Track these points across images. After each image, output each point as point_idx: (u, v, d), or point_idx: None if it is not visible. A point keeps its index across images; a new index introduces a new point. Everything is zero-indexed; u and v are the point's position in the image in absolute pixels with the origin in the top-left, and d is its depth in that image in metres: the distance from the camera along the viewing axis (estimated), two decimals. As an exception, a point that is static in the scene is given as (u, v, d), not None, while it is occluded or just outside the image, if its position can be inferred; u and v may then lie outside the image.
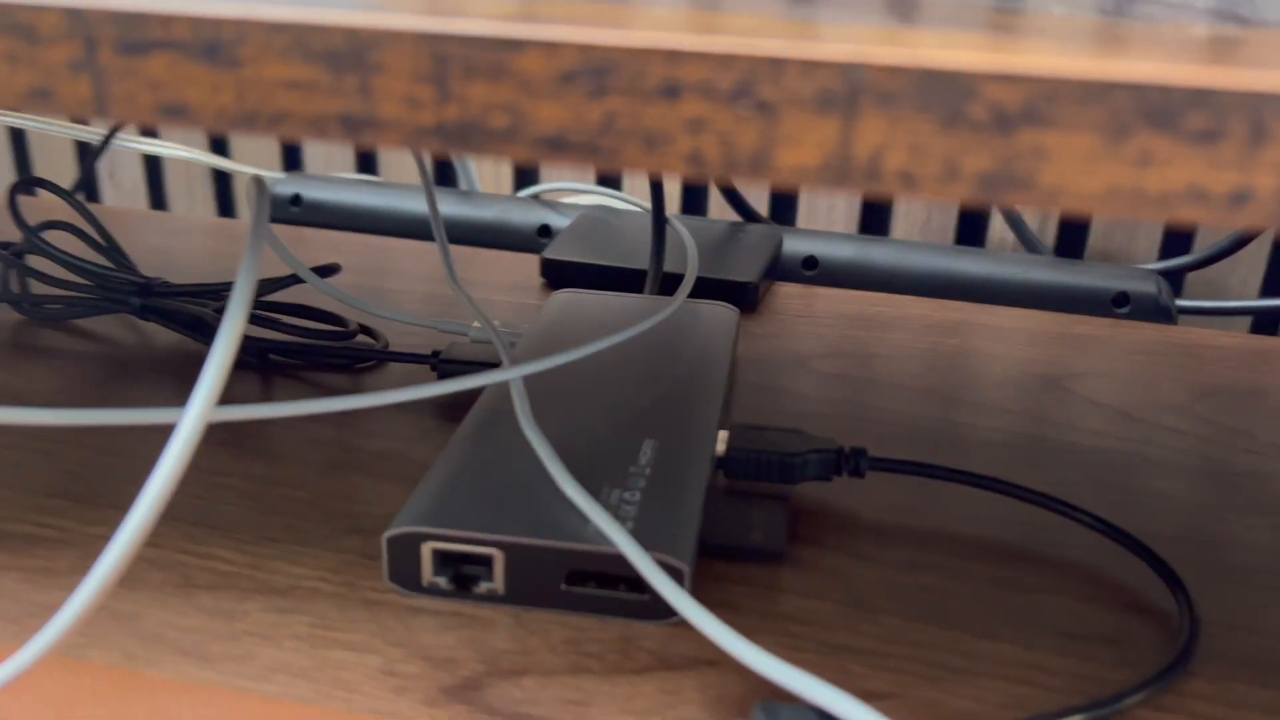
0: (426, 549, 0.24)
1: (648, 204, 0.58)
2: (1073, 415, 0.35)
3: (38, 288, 0.42)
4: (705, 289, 0.43)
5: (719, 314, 0.37)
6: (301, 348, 0.36)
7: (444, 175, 0.61)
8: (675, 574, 0.24)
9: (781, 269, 0.47)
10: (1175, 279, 0.54)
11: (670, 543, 0.24)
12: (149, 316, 0.36)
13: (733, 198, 0.50)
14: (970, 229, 0.55)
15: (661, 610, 0.24)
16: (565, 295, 0.39)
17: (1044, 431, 0.34)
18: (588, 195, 0.57)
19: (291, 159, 0.64)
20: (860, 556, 0.27)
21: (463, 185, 0.55)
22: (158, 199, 0.67)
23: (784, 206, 0.57)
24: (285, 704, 0.22)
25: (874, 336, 0.41)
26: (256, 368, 0.36)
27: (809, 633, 0.24)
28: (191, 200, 0.67)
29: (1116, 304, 0.44)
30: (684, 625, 0.24)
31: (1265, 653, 0.24)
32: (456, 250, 0.49)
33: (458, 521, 0.24)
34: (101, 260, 0.43)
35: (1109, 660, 0.24)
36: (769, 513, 0.27)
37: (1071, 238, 0.55)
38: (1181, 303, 0.50)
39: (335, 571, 0.26)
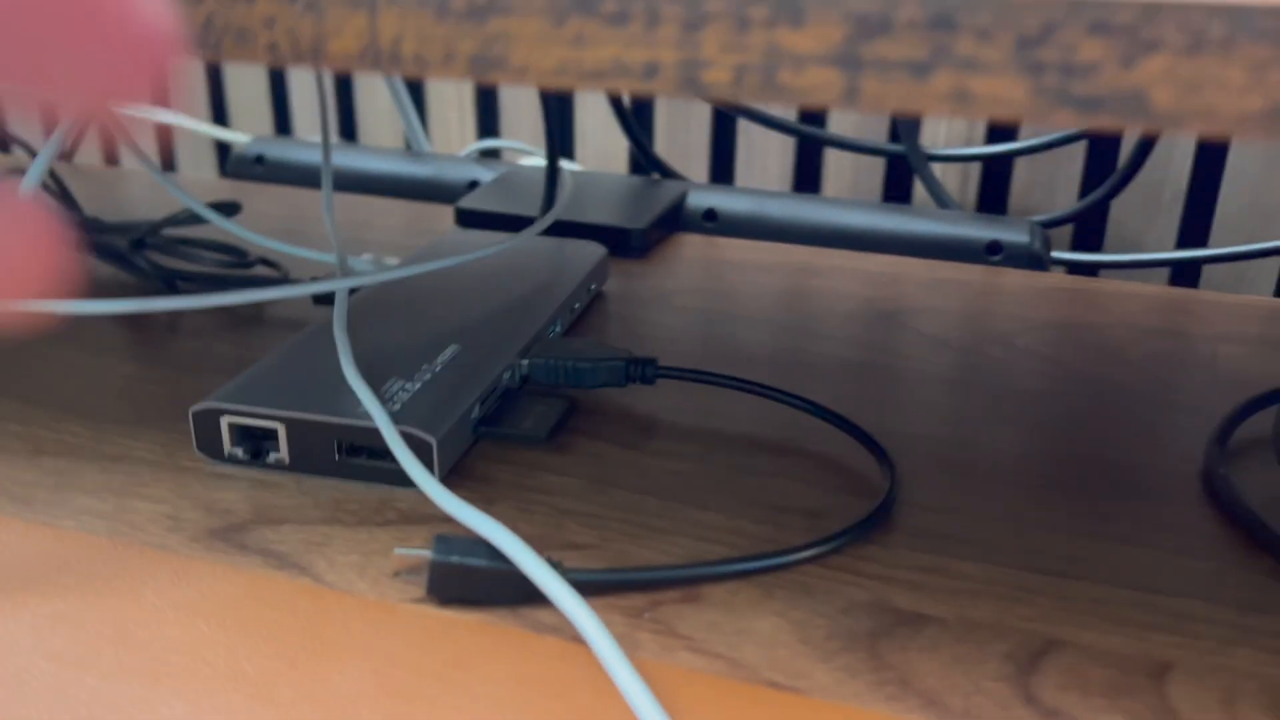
0: (224, 422, 0.28)
1: (582, 165, 0.61)
2: (892, 343, 0.37)
3: None
4: (596, 234, 0.46)
5: (584, 251, 0.41)
6: (205, 275, 0.40)
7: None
8: (423, 447, 0.27)
9: (685, 221, 0.50)
10: (1094, 235, 0.56)
11: (423, 421, 0.28)
12: (80, 251, 0.41)
13: (645, 153, 0.53)
14: (896, 190, 0.58)
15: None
16: (453, 233, 0.42)
17: (855, 355, 0.36)
18: (526, 156, 0.60)
19: (283, 127, 0.69)
20: (623, 445, 0.30)
21: (415, 146, 0.59)
22: (169, 164, 0.73)
23: (723, 166, 0.60)
24: (75, 534, 0.26)
25: (742, 278, 0.44)
26: (167, 293, 0.41)
27: (544, 500, 0.28)
28: (198, 165, 0.73)
29: (990, 252, 0.46)
30: (436, 491, 0.28)
31: (951, 530, 0.27)
32: (393, 203, 0.53)
33: (249, 399, 0.28)
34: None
35: (804, 529, 0.27)
36: (547, 408, 0.31)
37: (992, 197, 0.56)
38: (1101, 256, 0.51)
39: (163, 445, 0.30)
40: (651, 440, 0.31)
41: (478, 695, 0.21)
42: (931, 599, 0.24)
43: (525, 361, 0.32)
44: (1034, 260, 0.46)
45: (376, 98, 0.66)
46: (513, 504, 0.27)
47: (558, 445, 0.30)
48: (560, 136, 0.62)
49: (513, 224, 0.47)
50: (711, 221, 0.50)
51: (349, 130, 0.68)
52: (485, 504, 0.27)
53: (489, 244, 0.41)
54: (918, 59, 0.15)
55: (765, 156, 0.59)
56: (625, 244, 0.46)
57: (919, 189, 0.58)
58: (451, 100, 0.64)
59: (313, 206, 0.52)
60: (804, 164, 0.59)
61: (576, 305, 0.38)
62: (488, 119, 0.64)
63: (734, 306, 0.41)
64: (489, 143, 0.61)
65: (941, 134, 0.56)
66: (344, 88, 0.67)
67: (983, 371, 0.35)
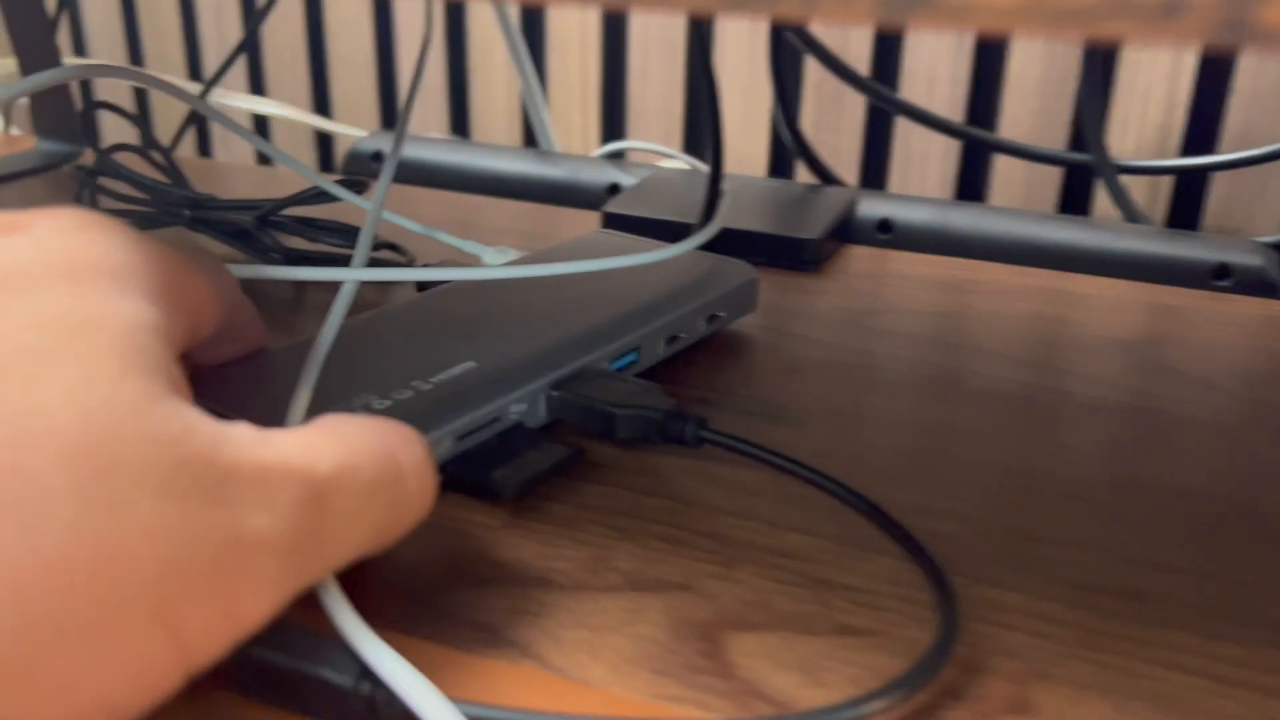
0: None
1: (726, 168, 0.57)
2: (1138, 382, 0.32)
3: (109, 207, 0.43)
4: (763, 246, 0.42)
5: (723, 272, 0.34)
6: (325, 256, 0.37)
7: (530, 139, 0.62)
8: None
9: (856, 232, 0.46)
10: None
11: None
12: (198, 228, 0.38)
13: (809, 158, 0.48)
14: (1073, 202, 0.52)
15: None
16: (596, 234, 0.38)
17: (1074, 391, 0.31)
18: (664, 159, 0.56)
19: (389, 119, 0.66)
20: (611, 527, 0.24)
21: (544, 145, 0.55)
22: (264, 159, 0.70)
23: (875, 172, 0.55)
24: None
25: (937, 298, 0.39)
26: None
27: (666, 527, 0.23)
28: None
29: (1216, 276, 0.41)
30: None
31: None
32: (527, 207, 0.49)
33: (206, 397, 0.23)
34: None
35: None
36: (539, 457, 0.25)
37: (1183, 212, 0.51)
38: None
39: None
40: (654, 523, 0.25)
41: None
42: (1326, 720, 0.19)
43: (556, 394, 0.27)
44: (1267, 287, 0.41)
45: (493, 95, 0.62)
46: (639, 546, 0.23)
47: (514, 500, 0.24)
48: (696, 138, 0.58)
49: (666, 231, 0.43)
50: (885, 233, 0.45)
51: (461, 128, 0.64)
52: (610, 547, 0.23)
53: (627, 250, 0.35)
54: None
55: (925, 162, 0.54)
56: (796, 257, 0.41)
57: (1098, 203, 0.53)
58: (576, 98, 0.60)
59: (441, 204, 0.48)
60: (968, 171, 0.54)
61: (681, 335, 0.31)
62: (613, 119, 0.60)
63: (930, 329, 0.36)
64: (621, 144, 0.57)
65: (1130, 143, 0.51)
66: (457, 85, 0.63)
67: (1240, 415, 0.30)
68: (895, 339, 0.35)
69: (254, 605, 0.16)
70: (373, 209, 0.32)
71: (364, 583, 0.21)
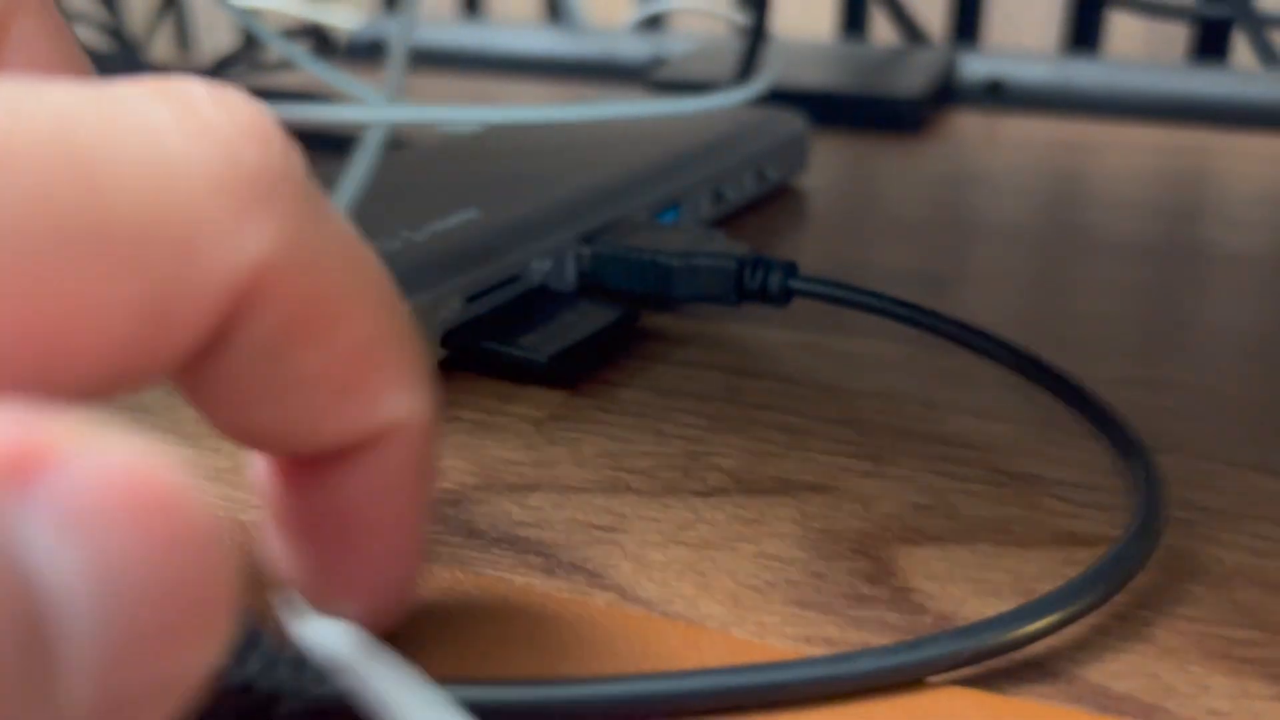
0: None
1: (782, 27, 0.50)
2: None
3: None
4: (853, 109, 0.36)
5: (776, 122, 0.30)
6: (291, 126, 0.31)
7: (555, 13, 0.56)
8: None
9: (958, 95, 0.40)
10: None
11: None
12: None
13: (895, 9, 0.42)
14: (1207, 48, 0.46)
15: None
16: (625, 94, 0.32)
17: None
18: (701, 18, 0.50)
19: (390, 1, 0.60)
20: (702, 415, 0.18)
21: (570, 17, 0.49)
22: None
23: (966, 25, 0.48)
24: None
25: (1073, 160, 0.33)
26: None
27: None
28: (286, 65, 0.64)
29: None
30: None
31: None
32: (555, 88, 0.43)
33: None
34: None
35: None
36: (578, 321, 0.20)
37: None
38: None
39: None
40: (742, 391, 0.19)
41: None
42: None
43: (588, 251, 0.21)
44: None
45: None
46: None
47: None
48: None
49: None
50: (994, 94, 0.39)
51: (473, 4, 0.58)
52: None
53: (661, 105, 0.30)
54: None
55: (1022, 23, 0.48)
56: (893, 119, 0.35)
57: (1235, 57, 0.46)
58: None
59: (451, 93, 0.43)
60: (1076, 34, 0.47)
61: (727, 193, 0.27)
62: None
63: (1077, 191, 0.30)
64: (662, 6, 0.50)
65: (1276, -11, 0.45)
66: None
67: None
68: (1019, 198, 0.29)
69: None
70: (399, 31, 0.26)
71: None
